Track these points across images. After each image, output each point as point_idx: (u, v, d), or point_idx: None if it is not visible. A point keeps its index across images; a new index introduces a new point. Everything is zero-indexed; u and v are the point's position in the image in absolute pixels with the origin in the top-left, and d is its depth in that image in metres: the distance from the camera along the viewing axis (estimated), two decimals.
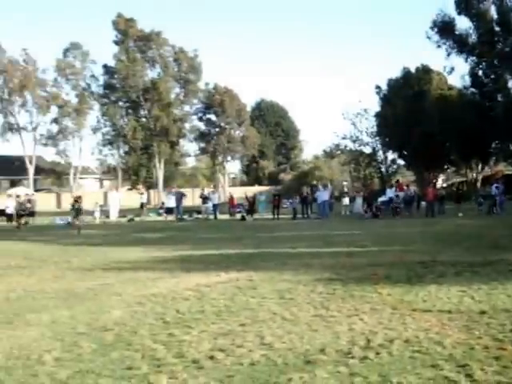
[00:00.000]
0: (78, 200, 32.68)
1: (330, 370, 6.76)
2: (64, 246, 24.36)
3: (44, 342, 8.48)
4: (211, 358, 7.39)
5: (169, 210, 44.28)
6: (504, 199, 36.87)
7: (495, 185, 37.83)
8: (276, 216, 40.29)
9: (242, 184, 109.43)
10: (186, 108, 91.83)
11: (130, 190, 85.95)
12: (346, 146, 79.29)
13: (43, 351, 7.93)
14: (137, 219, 43.42)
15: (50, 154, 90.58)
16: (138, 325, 9.33)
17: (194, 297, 11.56)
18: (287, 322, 9.19)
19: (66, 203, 60.67)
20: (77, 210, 32.09)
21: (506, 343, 7.50)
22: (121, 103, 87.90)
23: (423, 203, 39.44)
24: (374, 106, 76.73)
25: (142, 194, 47.94)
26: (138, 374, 6.90)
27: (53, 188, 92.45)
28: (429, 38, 62.23)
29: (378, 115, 74.17)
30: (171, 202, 43.73)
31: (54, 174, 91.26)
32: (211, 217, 43.10)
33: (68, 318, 9.96)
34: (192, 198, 62.72)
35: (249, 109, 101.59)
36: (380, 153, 78.15)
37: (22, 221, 38.05)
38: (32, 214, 42.03)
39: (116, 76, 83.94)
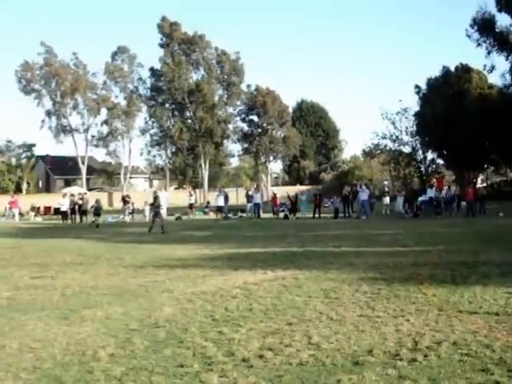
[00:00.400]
0: (156, 199, 32.49)
1: (379, 372, 6.65)
2: (116, 243, 24.68)
3: (98, 338, 8.57)
4: (260, 356, 7.37)
5: (218, 209, 44.28)
6: None
7: None
8: (317, 215, 40.19)
9: (284, 183, 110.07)
10: (230, 109, 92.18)
11: (177, 189, 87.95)
12: (385, 146, 78.15)
13: (98, 347, 8.02)
14: (184, 218, 43.84)
15: (101, 155, 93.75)
16: (189, 322, 9.38)
17: (242, 295, 11.60)
18: (333, 321, 9.10)
19: (117, 202, 61.55)
20: (156, 210, 31.90)
21: None
22: (167, 105, 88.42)
23: (463, 203, 38.81)
24: (414, 105, 75.81)
25: (191, 195, 48.27)
26: (189, 371, 6.90)
27: (104, 187, 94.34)
28: (469, 36, 60.74)
29: (417, 115, 73.04)
30: (220, 201, 43.67)
31: (106, 174, 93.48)
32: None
33: (121, 315, 10.08)
34: (236, 198, 62.90)
35: (290, 109, 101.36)
36: (419, 152, 77.02)
37: (96, 220, 38.69)
38: (85, 212, 42.51)
39: (162, 79, 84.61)
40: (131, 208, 44.75)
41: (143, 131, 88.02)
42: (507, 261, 14.80)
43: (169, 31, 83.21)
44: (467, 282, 12.06)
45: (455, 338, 7.82)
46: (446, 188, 40.77)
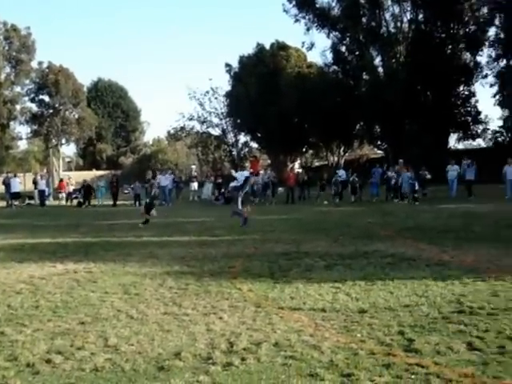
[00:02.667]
0: None
1: (188, 378, 6.36)
2: None
3: None
4: (48, 361, 7.07)
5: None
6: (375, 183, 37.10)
7: (340, 170, 39.48)
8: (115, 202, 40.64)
9: (78, 168, 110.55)
10: (17, 89, 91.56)
11: None
12: (192, 128, 78.84)
13: None
14: None
15: None
16: None
17: (28, 290, 11.32)
18: (134, 320, 8.84)
19: None
20: None
21: (396, 348, 7.18)
22: None
23: (280, 189, 39.67)
24: (225, 84, 77.15)
25: None
26: None
27: None
28: (286, 11, 62.57)
29: (228, 95, 74.24)
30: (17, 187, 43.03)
31: None
32: (47, 202, 43.66)
33: None
34: (24, 183, 62.65)
35: (85, 89, 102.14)
36: (231, 135, 78.38)
37: None
38: None
39: None
40: None
41: None
42: (332, 251, 15.05)
43: None
44: (288, 275, 12.04)
45: (277, 338, 7.63)
46: (262, 172, 41.53)
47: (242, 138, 78.24)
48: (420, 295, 9.84)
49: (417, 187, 32.38)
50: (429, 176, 34.23)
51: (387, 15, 58.77)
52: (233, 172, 41.71)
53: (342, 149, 70.06)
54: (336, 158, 69.77)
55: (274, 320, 8.54)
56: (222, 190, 40.03)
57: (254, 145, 78.79)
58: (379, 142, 64.90)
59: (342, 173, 38.44)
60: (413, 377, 6.19)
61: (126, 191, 48.51)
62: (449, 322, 8.23)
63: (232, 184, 40.53)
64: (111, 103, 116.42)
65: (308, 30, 61.61)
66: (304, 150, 75.65)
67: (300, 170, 41.64)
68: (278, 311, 9.05)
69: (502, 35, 53.14)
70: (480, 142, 64.58)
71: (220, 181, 43.45)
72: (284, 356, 6.95)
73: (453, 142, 60.60)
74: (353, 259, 13.68)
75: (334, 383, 6.08)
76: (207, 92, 75.43)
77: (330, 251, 15.06)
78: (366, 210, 28.55)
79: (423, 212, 26.13)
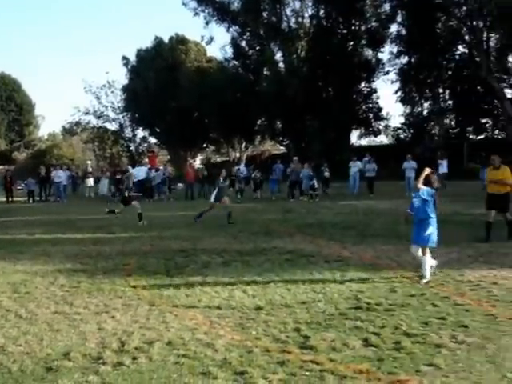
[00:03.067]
0: None
1: (77, 379, 6.32)
2: None
3: None
4: None
5: None
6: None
7: (241, 166, 39.65)
8: (10, 199, 39.13)
9: None
10: None
11: None
12: (88, 122, 77.90)
13: None
14: None
15: None
16: None
17: None
18: (23, 320, 8.71)
19: None
20: None
21: (291, 345, 7.26)
22: None
23: (180, 185, 39.54)
24: (123, 78, 76.48)
25: None
26: None
27: None
28: (185, 4, 62.30)
29: (126, 89, 73.68)
30: None
31: None
32: None
33: None
34: None
35: None
36: (129, 130, 77.76)
37: None
38: None
39: None
40: None
41: None
42: (231, 248, 15.14)
43: None
44: (184, 272, 12.07)
45: (170, 337, 7.65)
46: (161, 167, 41.33)
47: (140, 133, 77.81)
48: (317, 292, 9.99)
49: (316, 185, 32.64)
50: (327, 173, 34.72)
51: (288, 10, 59.14)
52: (129, 168, 41.79)
53: (244, 144, 70.51)
54: (238, 154, 70.05)
55: (167, 318, 8.55)
56: (120, 187, 39.59)
57: (153, 140, 78.43)
58: (281, 138, 65.51)
59: (243, 169, 38.53)
60: (307, 374, 6.27)
61: (19, 187, 47.44)
62: (345, 318, 8.38)
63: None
64: (4, 96, 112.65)
65: (207, 23, 61.37)
66: (205, 145, 75.75)
67: (200, 166, 41.44)
68: (173, 309, 9.06)
69: (403, 32, 54.46)
70: (383, 139, 66.03)
71: (119, 177, 42.96)
72: (177, 355, 6.97)
73: (355, 138, 61.79)
74: (251, 256, 13.79)
75: (227, 381, 6.11)
76: (104, 86, 74.59)
77: (228, 248, 15.13)
78: (266, 207, 28.67)
79: (324, 208, 26.40)
